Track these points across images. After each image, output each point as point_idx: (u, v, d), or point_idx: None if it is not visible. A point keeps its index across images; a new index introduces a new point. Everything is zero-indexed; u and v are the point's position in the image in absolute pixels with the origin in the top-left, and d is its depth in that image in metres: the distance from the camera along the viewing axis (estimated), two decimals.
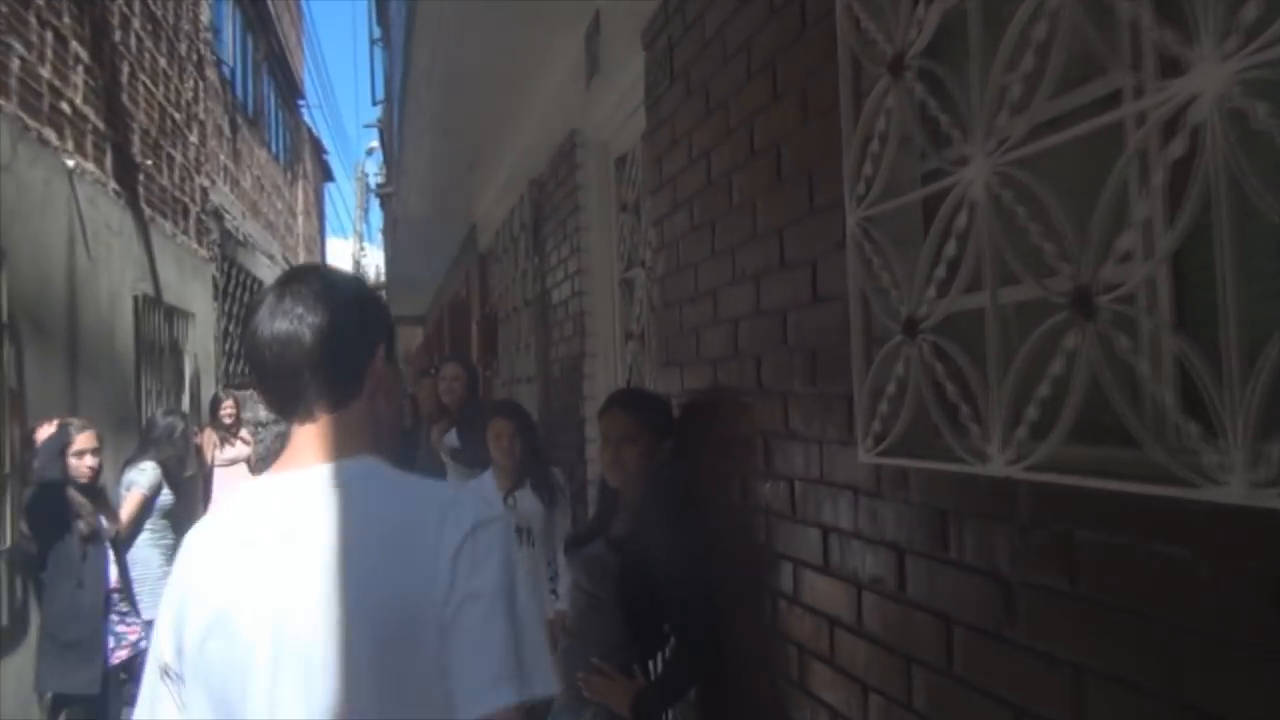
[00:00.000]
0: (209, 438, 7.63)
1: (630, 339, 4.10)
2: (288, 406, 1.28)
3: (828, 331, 1.94)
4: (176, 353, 7.16)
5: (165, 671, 1.24)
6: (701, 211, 2.68)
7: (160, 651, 1.26)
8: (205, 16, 8.91)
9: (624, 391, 3.19)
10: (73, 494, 4.19)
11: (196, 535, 1.30)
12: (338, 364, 1.27)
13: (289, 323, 1.24)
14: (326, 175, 21.32)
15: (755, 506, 2.34)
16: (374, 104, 5.52)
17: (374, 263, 26.69)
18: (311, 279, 1.31)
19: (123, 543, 5.40)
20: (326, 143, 20.83)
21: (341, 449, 1.27)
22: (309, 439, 1.27)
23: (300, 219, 16.08)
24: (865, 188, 1.76)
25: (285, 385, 1.26)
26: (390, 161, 6.42)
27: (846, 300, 1.84)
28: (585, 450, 4.25)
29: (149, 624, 5.60)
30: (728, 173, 2.47)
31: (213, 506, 7.77)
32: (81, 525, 4.19)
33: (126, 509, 5.31)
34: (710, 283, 2.61)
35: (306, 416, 1.27)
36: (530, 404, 5.59)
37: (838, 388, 1.90)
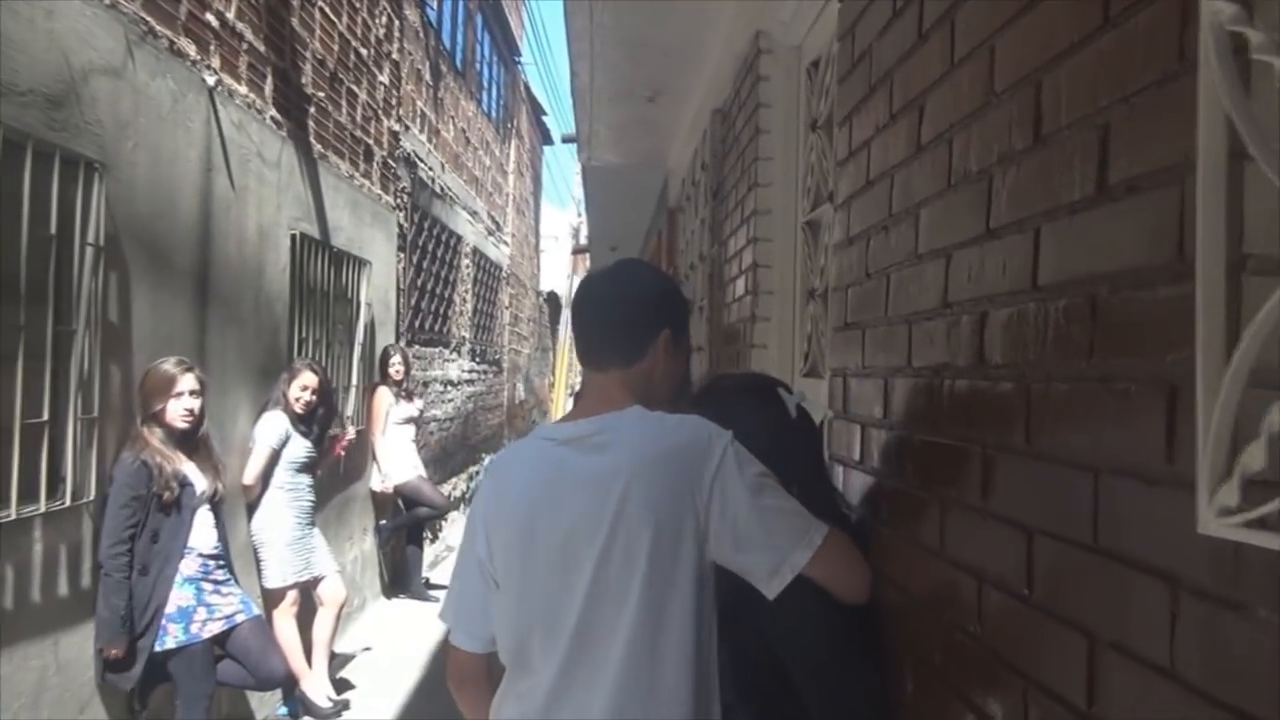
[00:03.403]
0: (382, 395, 7.21)
1: (812, 298, 3.14)
2: (591, 356, 1.69)
3: (1126, 255, 0.96)
4: (346, 301, 6.72)
5: (480, 565, 1.62)
6: (904, 86, 1.70)
7: (475, 549, 1.63)
8: None
9: (714, 380, 2.09)
10: (151, 452, 3.60)
11: (505, 460, 1.72)
12: (631, 330, 1.65)
13: (609, 289, 1.69)
14: (545, 138, 21.06)
15: (959, 567, 1.38)
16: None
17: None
18: (633, 266, 1.78)
19: (251, 504, 4.94)
20: (546, 105, 20.60)
21: (621, 399, 1.61)
22: (598, 388, 1.67)
23: (511, 178, 15.81)
24: None
25: (594, 339, 1.69)
26: (575, 100, 5.69)
27: (1174, 184, 0.86)
28: None
29: (279, 590, 5.07)
30: (948, 11, 1.50)
31: (381, 464, 7.33)
32: (161, 491, 3.57)
33: (249, 467, 4.85)
34: (912, 196, 1.64)
35: (599, 368, 1.67)
36: (698, 381, 4.73)
37: (1147, 368, 0.92)
